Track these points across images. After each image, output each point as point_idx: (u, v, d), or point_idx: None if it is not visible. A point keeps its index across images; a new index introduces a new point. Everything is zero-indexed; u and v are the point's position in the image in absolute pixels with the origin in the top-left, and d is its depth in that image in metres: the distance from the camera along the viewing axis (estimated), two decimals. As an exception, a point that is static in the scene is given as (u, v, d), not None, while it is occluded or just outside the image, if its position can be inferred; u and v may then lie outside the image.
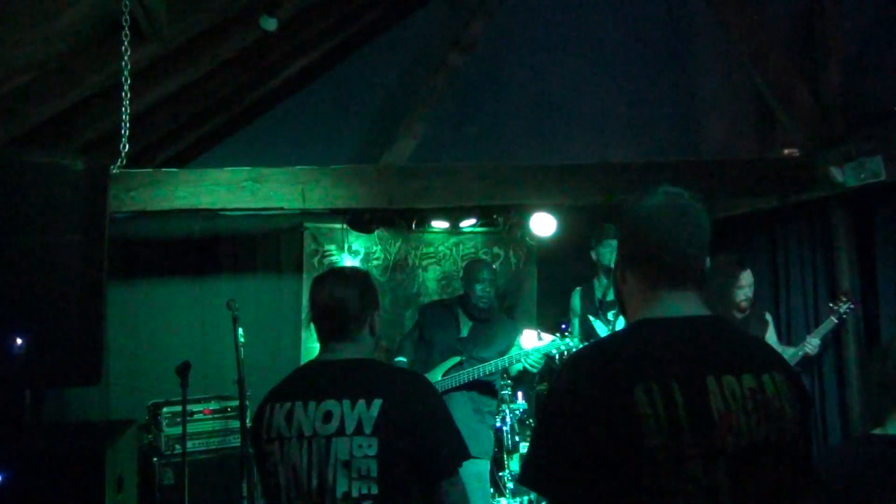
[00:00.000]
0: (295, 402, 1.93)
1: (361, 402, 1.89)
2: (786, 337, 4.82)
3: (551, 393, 1.39)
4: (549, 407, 1.38)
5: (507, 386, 5.09)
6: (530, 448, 1.39)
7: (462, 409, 4.08)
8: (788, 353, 4.37)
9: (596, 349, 1.44)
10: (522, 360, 4.08)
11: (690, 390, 1.26)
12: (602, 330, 4.41)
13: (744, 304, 4.22)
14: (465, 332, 4.29)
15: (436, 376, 4.14)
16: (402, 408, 1.90)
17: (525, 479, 1.36)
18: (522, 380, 4.77)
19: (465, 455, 1.99)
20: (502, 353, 4.18)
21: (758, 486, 1.26)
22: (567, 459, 1.28)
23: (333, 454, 1.86)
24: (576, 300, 4.61)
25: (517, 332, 4.37)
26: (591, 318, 4.45)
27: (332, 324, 2.04)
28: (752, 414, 1.28)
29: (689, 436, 1.24)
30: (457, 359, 4.17)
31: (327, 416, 1.89)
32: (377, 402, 1.88)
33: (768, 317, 4.45)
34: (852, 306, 4.25)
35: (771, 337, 4.40)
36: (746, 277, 4.22)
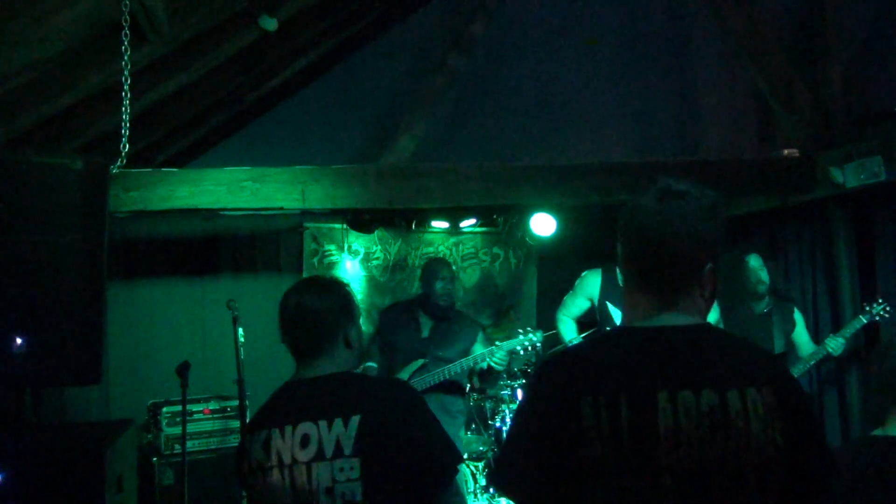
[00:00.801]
0: (271, 430, 1.80)
1: (338, 421, 1.74)
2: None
3: (521, 398, 1.42)
4: (516, 412, 1.41)
5: (507, 386, 5.09)
6: (500, 450, 1.41)
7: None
8: (808, 350, 4.22)
9: (558, 358, 1.42)
10: (487, 358, 4.03)
11: (638, 405, 1.23)
12: (619, 318, 4.22)
13: (759, 290, 4.15)
14: (426, 333, 4.21)
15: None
16: (383, 421, 1.75)
17: (493, 481, 1.40)
18: (488, 379, 4.75)
19: (459, 461, 1.87)
20: (465, 352, 4.13)
21: None
22: (527, 466, 1.29)
23: (315, 482, 1.72)
24: (595, 282, 4.26)
25: (479, 329, 4.32)
26: (610, 304, 4.22)
27: (300, 338, 1.88)
28: (707, 432, 1.22)
29: (631, 451, 1.21)
30: (420, 361, 4.10)
31: (304, 441, 1.75)
32: (355, 420, 1.73)
33: (798, 314, 4.32)
34: (889, 308, 4.01)
35: (800, 336, 4.29)
36: (753, 260, 4.18)
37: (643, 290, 1.36)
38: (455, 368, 4.03)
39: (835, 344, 4.04)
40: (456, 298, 4.37)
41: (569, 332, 4.36)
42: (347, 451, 1.72)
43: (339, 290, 1.95)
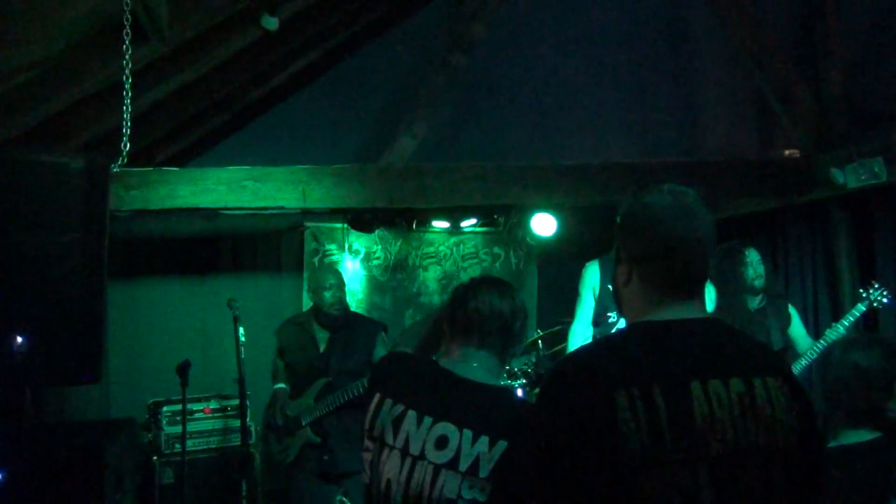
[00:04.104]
0: (408, 409, 1.70)
1: (484, 438, 1.62)
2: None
3: (538, 398, 1.38)
4: (534, 413, 1.38)
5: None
6: (520, 454, 1.39)
7: (341, 431, 3.88)
8: (806, 345, 4.14)
9: (581, 354, 1.43)
10: None
11: (673, 395, 1.24)
12: None
13: (756, 284, 4.07)
14: (322, 347, 4.03)
15: (308, 401, 3.94)
16: None
17: (516, 487, 1.36)
18: None
19: None
20: (370, 356, 3.94)
21: (744, 492, 1.24)
22: (551, 466, 1.27)
23: (440, 488, 1.62)
24: (594, 273, 4.05)
25: (378, 329, 4.12)
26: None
27: (476, 332, 1.79)
28: (738, 419, 1.26)
29: (670, 441, 1.22)
30: (322, 380, 3.92)
31: (441, 442, 1.65)
32: (502, 445, 1.60)
33: (792, 309, 4.25)
34: (886, 293, 3.89)
35: (796, 330, 4.22)
36: (752, 255, 4.10)
37: (665, 286, 1.37)
38: (363, 383, 3.68)
39: (835, 335, 3.95)
40: (347, 304, 4.12)
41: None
42: (483, 472, 1.61)
43: (516, 294, 1.87)
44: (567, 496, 1.25)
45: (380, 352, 3.97)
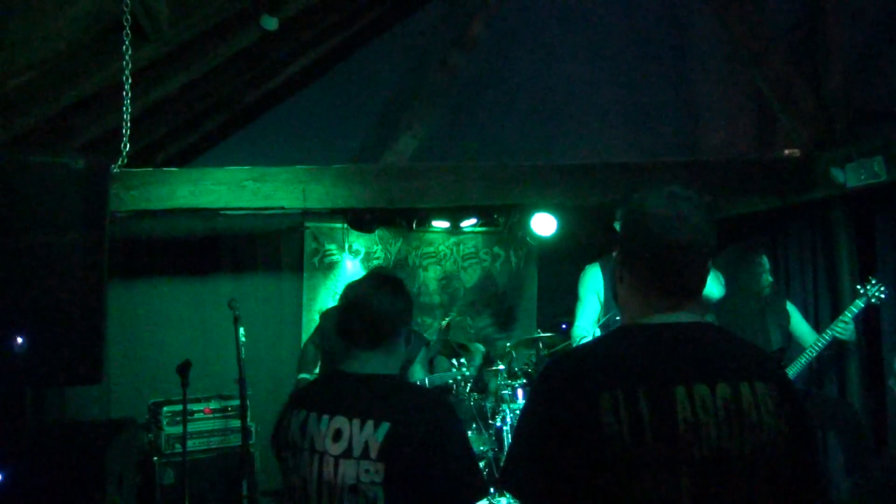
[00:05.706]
0: (310, 413, 1.86)
1: (370, 423, 1.78)
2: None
3: (528, 396, 1.42)
4: (524, 410, 1.41)
5: (508, 386, 5.09)
6: (508, 450, 1.41)
7: None
8: (811, 339, 4.18)
9: (571, 355, 1.45)
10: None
11: (657, 399, 1.26)
12: None
13: (765, 292, 4.21)
14: None
15: None
16: (412, 434, 1.74)
17: (502, 482, 1.40)
18: None
19: (483, 491, 1.83)
20: (406, 364, 4.08)
21: (726, 496, 1.25)
22: (538, 463, 1.30)
23: (341, 477, 1.76)
24: (594, 276, 4.04)
25: (422, 345, 4.25)
26: None
27: (361, 331, 1.90)
28: (723, 424, 1.26)
29: (652, 444, 1.24)
30: None
31: (337, 435, 1.80)
32: (385, 426, 1.76)
33: (790, 305, 4.33)
34: (883, 287, 3.94)
35: (798, 325, 4.27)
36: (766, 262, 4.24)
37: (654, 289, 1.39)
38: None
39: (835, 332, 3.98)
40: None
41: None
42: (373, 454, 1.75)
43: (405, 290, 1.99)
44: (552, 494, 1.28)
45: (416, 369, 4.07)
